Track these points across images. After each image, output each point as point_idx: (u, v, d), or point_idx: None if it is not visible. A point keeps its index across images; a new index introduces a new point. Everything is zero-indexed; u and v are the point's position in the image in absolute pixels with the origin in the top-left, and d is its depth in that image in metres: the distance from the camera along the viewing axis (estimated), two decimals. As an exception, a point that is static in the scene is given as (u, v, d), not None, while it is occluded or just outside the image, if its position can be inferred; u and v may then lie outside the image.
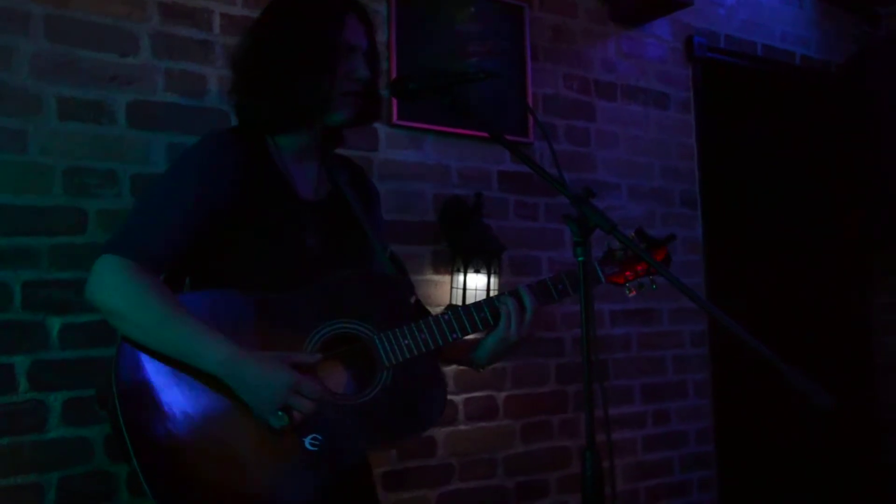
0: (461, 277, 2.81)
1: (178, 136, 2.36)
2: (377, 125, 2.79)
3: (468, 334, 1.77)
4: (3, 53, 2.16)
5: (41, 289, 2.14)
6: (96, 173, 2.26)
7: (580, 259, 1.55)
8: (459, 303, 2.81)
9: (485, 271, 2.80)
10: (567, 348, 3.19)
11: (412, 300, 1.84)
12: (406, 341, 1.69)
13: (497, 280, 2.84)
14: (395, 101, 2.80)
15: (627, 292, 1.91)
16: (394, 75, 2.81)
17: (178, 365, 1.54)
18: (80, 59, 2.27)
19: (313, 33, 1.70)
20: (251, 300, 1.63)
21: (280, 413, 1.53)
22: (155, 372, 1.54)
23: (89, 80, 2.28)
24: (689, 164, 3.70)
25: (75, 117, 2.25)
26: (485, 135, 2.99)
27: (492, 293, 2.81)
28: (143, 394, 1.52)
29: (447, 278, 2.86)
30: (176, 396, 1.54)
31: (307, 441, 1.57)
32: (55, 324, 2.16)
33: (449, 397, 2.87)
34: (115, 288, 1.54)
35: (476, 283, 2.79)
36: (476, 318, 1.77)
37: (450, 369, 2.87)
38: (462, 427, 2.90)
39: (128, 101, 2.33)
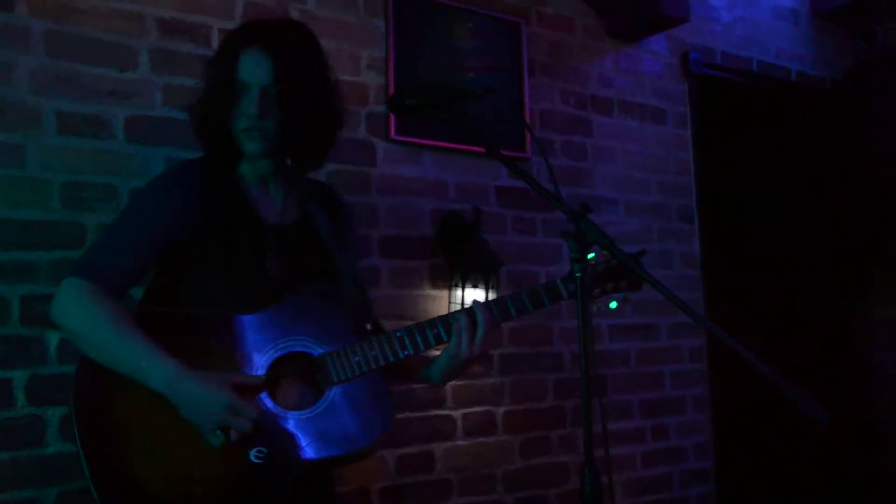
0: (459, 292, 2.81)
1: (176, 151, 2.36)
2: (375, 140, 2.80)
3: (420, 351, 1.78)
4: (3, 69, 2.17)
5: (39, 303, 2.13)
6: (95, 187, 2.26)
7: (578, 275, 1.55)
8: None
9: (483, 286, 2.80)
10: (566, 363, 3.19)
11: (370, 320, 1.86)
12: (357, 358, 1.72)
13: (495, 295, 2.84)
14: (392, 117, 2.82)
15: (595, 309, 1.89)
16: (391, 90, 2.82)
17: (130, 382, 1.61)
18: (80, 74, 2.27)
19: (214, 74, 1.81)
20: (208, 318, 1.71)
21: (218, 432, 1.59)
22: (110, 388, 1.62)
23: (88, 95, 2.29)
24: (686, 179, 3.71)
25: (74, 132, 2.26)
26: (483, 150, 3.00)
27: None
28: (99, 408, 1.62)
29: (445, 293, 2.86)
30: (129, 411, 1.62)
31: (252, 454, 1.62)
32: (53, 338, 2.16)
33: (447, 412, 2.87)
34: (72, 310, 1.64)
35: (474, 298, 2.79)
36: (429, 334, 1.78)
37: (449, 385, 2.87)
38: (460, 442, 2.90)
39: (126, 116, 2.34)
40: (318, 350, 1.72)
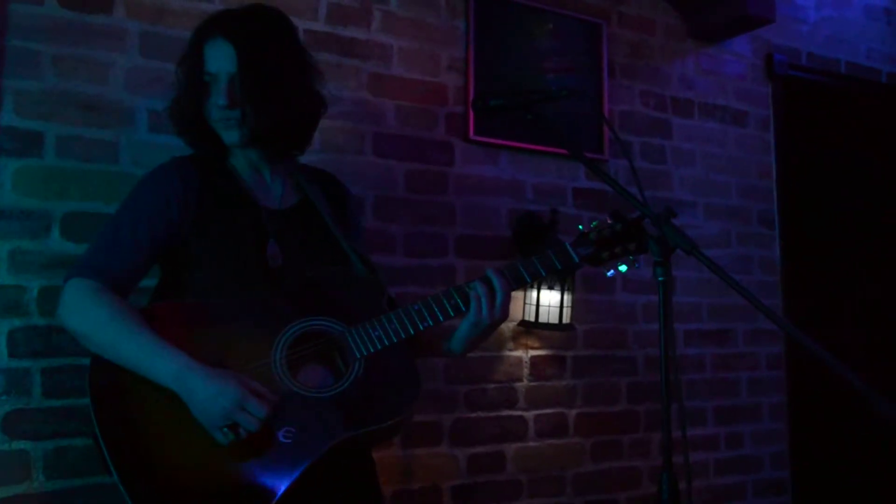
0: (534, 293, 2.81)
1: (261, 149, 2.42)
2: (453, 140, 2.82)
3: (440, 322, 1.75)
4: (102, 68, 2.27)
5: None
6: (183, 184, 2.33)
7: (660, 279, 1.54)
8: (532, 319, 2.81)
9: (558, 288, 2.80)
10: (640, 368, 3.16)
11: (384, 297, 1.83)
12: (377, 332, 1.70)
13: (571, 297, 2.84)
14: (471, 117, 2.83)
15: (606, 272, 1.86)
16: (471, 91, 2.84)
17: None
18: (171, 74, 2.32)
19: (184, 70, 1.81)
20: (218, 305, 1.69)
21: (225, 430, 1.55)
22: (126, 378, 1.59)
23: (179, 94, 2.36)
24: (767, 183, 3.64)
25: (164, 130, 2.31)
26: (559, 151, 3.00)
27: (565, 310, 2.81)
28: (116, 399, 1.59)
29: (520, 294, 2.86)
30: (148, 399, 1.58)
31: (281, 434, 1.59)
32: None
33: (519, 413, 2.88)
34: (75, 310, 1.64)
35: (549, 300, 2.79)
36: (447, 305, 1.75)
37: (521, 385, 2.88)
38: (532, 443, 2.90)
39: (214, 115, 2.40)
40: (337, 328, 1.70)
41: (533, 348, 2.93)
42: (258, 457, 1.57)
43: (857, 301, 4.08)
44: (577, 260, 1.81)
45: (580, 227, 1.84)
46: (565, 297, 2.81)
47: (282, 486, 1.56)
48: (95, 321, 1.61)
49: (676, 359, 3.21)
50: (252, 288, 1.71)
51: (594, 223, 1.82)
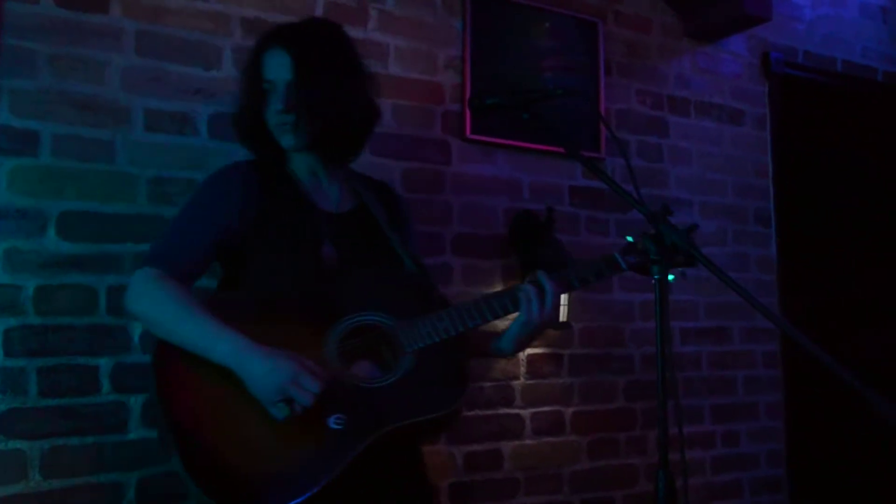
0: (531, 292, 2.80)
1: (257, 148, 2.42)
2: (450, 139, 2.82)
3: (488, 321, 1.80)
4: (98, 67, 2.26)
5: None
6: (178, 182, 2.34)
7: (656, 277, 1.54)
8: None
9: (555, 286, 2.79)
10: (637, 366, 3.17)
11: (436, 297, 1.89)
12: (426, 329, 1.76)
13: (567, 295, 2.84)
14: (468, 116, 2.83)
15: (653, 280, 1.89)
16: (468, 90, 2.84)
17: (206, 361, 1.66)
18: (168, 73, 2.35)
19: (245, 79, 1.91)
20: (274, 299, 1.76)
21: (281, 404, 1.60)
22: (188, 369, 1.66)
23: (175, 94, 2.36)
24: (763, 182, 3.64)
25: (160, 129, 2.34)
26: (556, 149, 3.00)
27: (562, 308, 2.81)
28: (180, 390, 1.65)
29: (517, 292, 2.86)
30: (208, 389, 1.65)
31: (331, 421, 1.64)
32: (137, 328, 2.24)
33: (516, 411, 2.88)
34: (141, 295, 1.73)
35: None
36: (495, 305, 1.80)
37: (518, 383, 2.88)
38: (528, 441, 2.90)
39: (210, 114, 2.41)
40: (388, 323, 1.76)
41: (530, 346, 2.93)
42: (309, 442, 1.62)
43: (854, 299, 4.09)
44: (625, 268, 1.86)
45: (629, 238, 1.88)
46: (562, 295, 2.81)
47: (330, 472, 1.60)
48: (158, 303, 1.70)
49: (673, 357, 3.22)
50: (305, 287, 1.78)
51: (630, 238, 1.87)
